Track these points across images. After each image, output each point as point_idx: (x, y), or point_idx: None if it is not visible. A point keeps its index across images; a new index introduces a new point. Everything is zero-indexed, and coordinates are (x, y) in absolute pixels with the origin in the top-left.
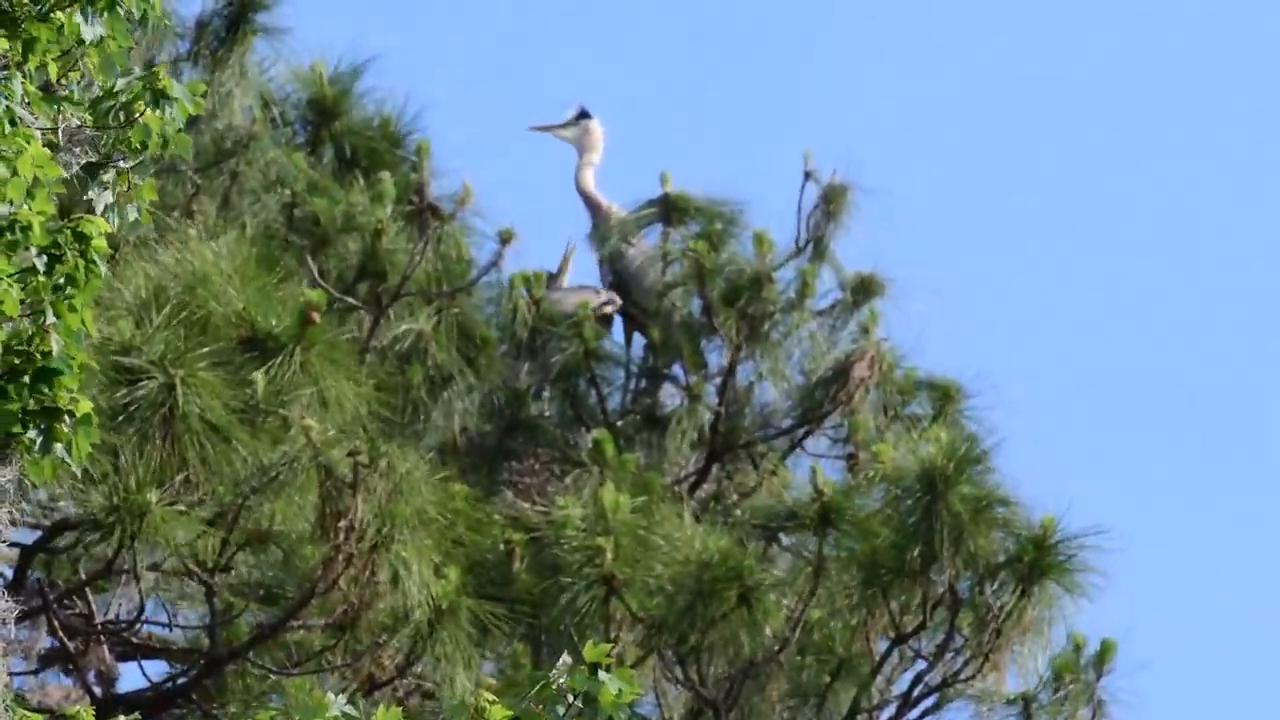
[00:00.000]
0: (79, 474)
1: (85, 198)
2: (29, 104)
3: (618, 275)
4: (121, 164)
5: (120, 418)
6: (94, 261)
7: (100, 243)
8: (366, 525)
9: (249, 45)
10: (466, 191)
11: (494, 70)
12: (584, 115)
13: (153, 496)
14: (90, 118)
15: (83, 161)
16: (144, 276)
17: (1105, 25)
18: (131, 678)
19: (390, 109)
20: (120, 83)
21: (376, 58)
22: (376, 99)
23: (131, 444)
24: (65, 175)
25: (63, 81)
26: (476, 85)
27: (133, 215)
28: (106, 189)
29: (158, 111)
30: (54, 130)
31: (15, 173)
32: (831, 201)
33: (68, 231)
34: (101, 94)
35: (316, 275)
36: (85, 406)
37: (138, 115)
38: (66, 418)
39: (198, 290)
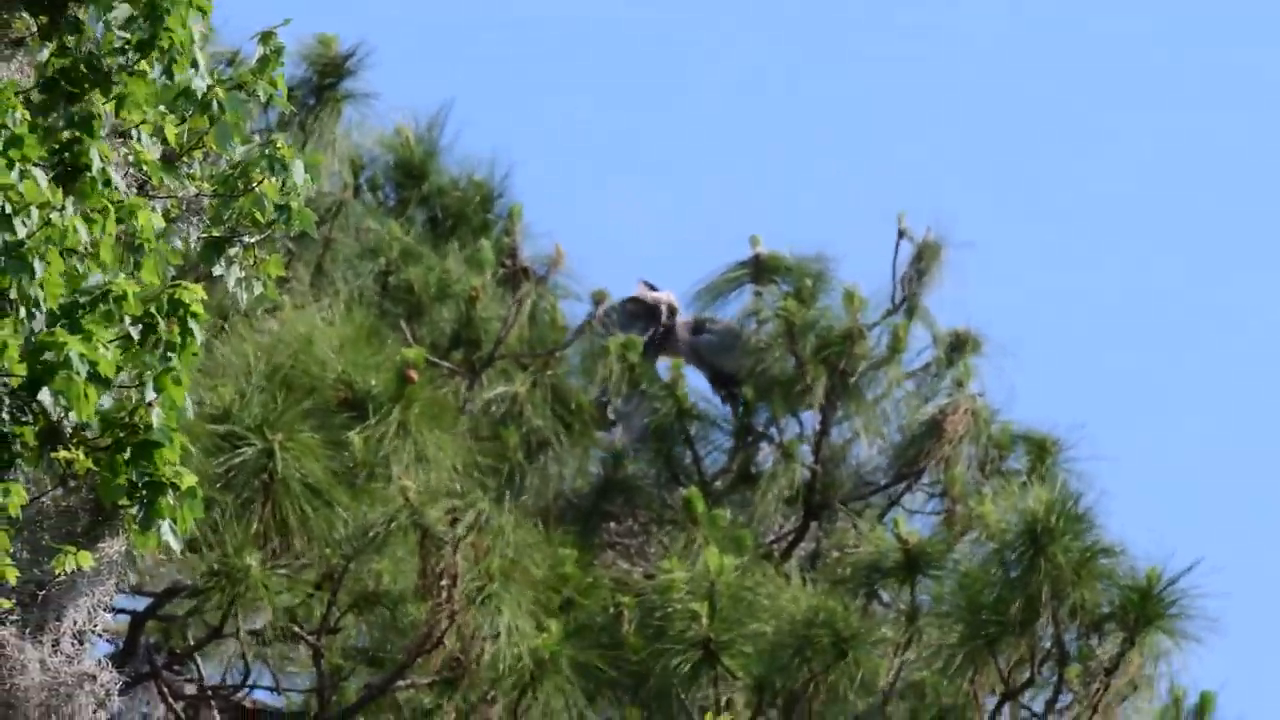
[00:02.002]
0: (178, 548)
1: (214, 272)
2: (144, 168)
3: (700, 355)
4: (246, 239)
5: (220, 484)
6: (191, 331)
7: (198, 309)
8: (468, 581)
9: (338, 111)
10: (559, 254)
11: (577, 124)
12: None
13: (253, 560)
14: (208, 186)
15: (198, 228)
16: (253, 345)
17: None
18: None
19: (478, 169)
20: (240, 151)
21: (453, 103)
22: (465, 159)
23: (233, 509)
24: (178, 243)
25: (186, 154)
26: (559, 140)
27: (258, 289)
28: (234, 263)
29: (274, 179)
30: (174, 199)
31: (105, 232)
32: (925, 259)
33: (164, 299)
34: (229, 168)
35: (411, 341)
36: (189, 480)
37: (255, 184)
38: (170, 490)
39: (301, 356)
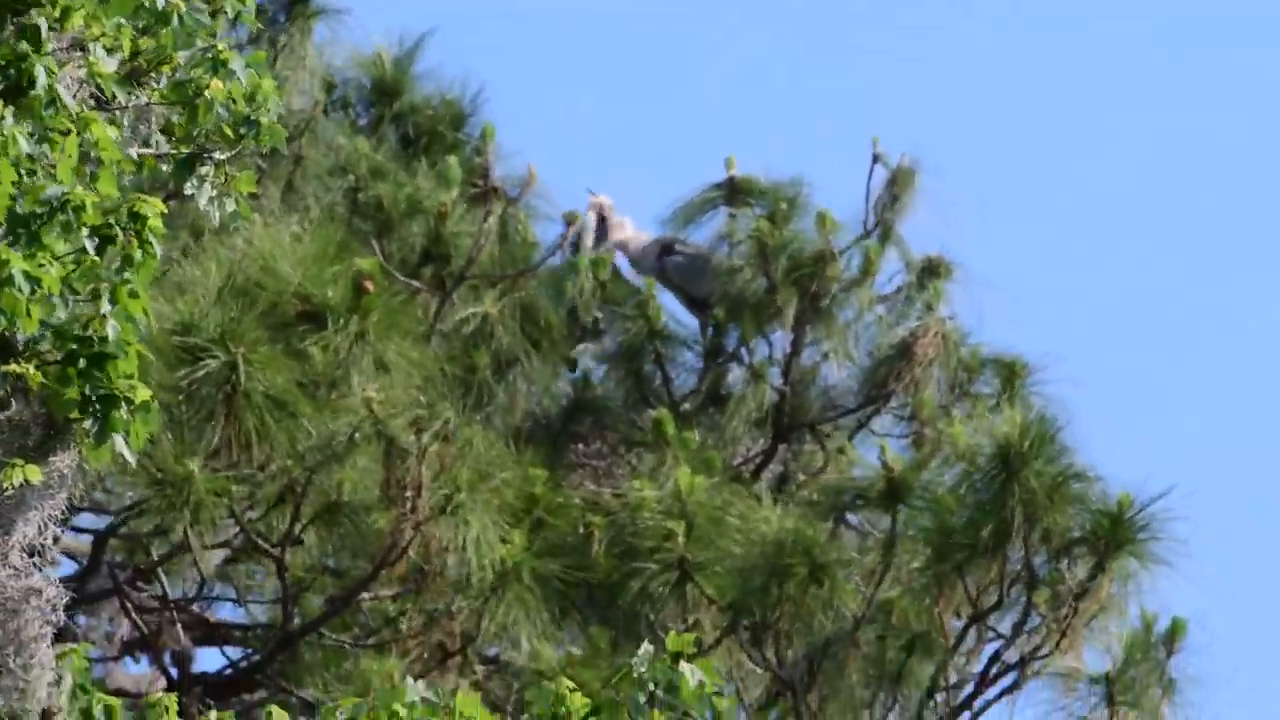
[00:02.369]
0: (133, 461)
1: (185, 191)
2: (100, 83)
3: (668, 278)
4: (218, 156)
5: (183, 396)
6: (150, 243)
7: (156, 223)
8: (430, 490)
9: (309, 28)
10: (531, 175)
11: (552, 43)
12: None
13: (195, 466)
14: (158, 95)
15: (153, 138)
16: (214, 261)
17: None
18: (208, 658)
19: (451, 89)
20: (181, 55)
21: (433, 32)
22: (437, 78)
23: (196, 422)
24: (133, 154)
25: (152, 71)
26: (533, 59)
27: (231, 207)
28: (205, 182)
29: (222, 83)
30: (121, 109)
31: (63, 152)
32: (899, 185)
33: (123, 212)
34: (169, 72)
35: (381, 258)
36: (144, 394)
37: (205, 89)
38: (124, 404)
39: (262, 271)
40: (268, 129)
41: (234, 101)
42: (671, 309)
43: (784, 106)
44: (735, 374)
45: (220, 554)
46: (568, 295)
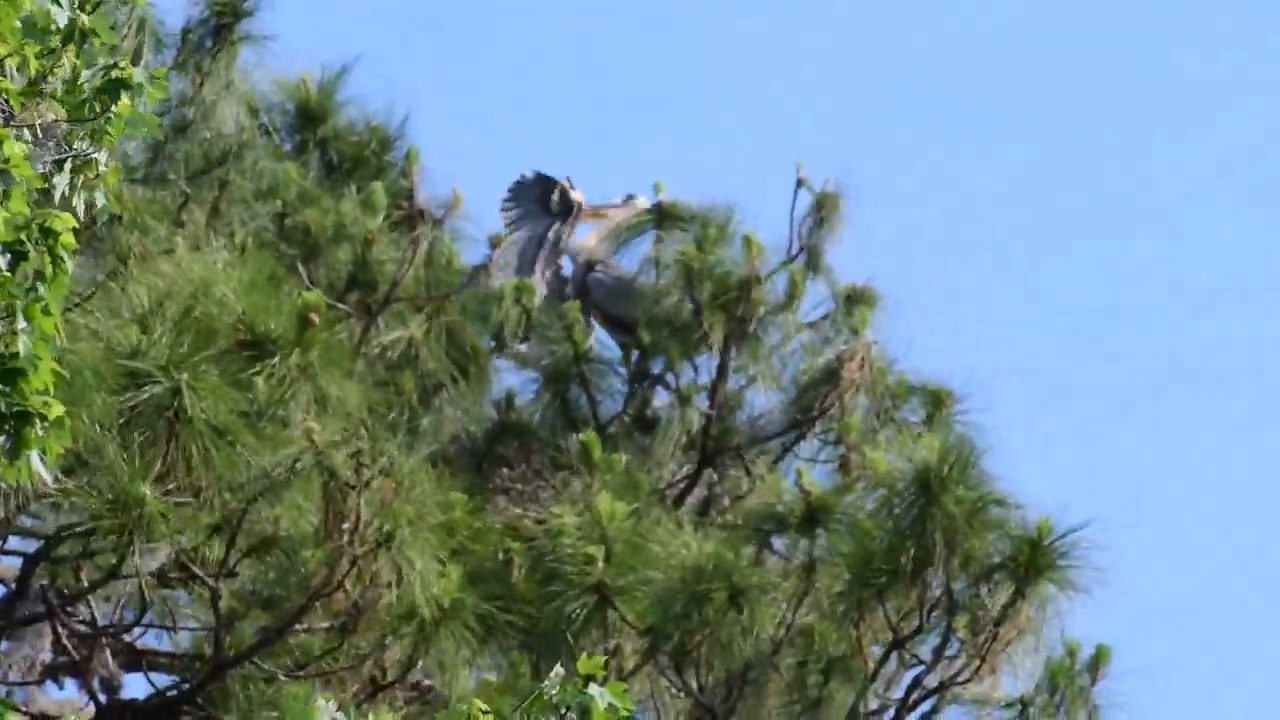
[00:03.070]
0: (49, 479)
1: (49, 186)
2: (6, 100)
3: (591, 296)
4: (89, 152)
5: (124, 421)
6: (61, 259)
7: (68, 238)
8: (369, 525)
9: (235, 53)
10: (456, 198)
11: (478, 71)
12: (631, 198)
13: (147, 488)
14: (64, 111)
15: (55, 154)
16: (147, 285)
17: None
18: (137, 686)
19: (377, 114)
20: (85, 74)
21: (359, 59)
22: (363, 104)
23: (136, 447)
24: (41, 168)
25: (49, 79)
26: (460, 86)
27: (101, 201)
28: (63, 170)
29: (126, 100)
30: (28, 125)
31: None
32: (824, 209)
33: (34, 228)
34: (65, 85)
35: (308, 283)
36: (57, 409)
37: (112, 107)
38: (38, 421)
39: (199, 297)
40: (144, 120)
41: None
42: (600, 334)
43: (710, 130)
44: (660, 398)
45: (157, 557)
46: (492, 320)
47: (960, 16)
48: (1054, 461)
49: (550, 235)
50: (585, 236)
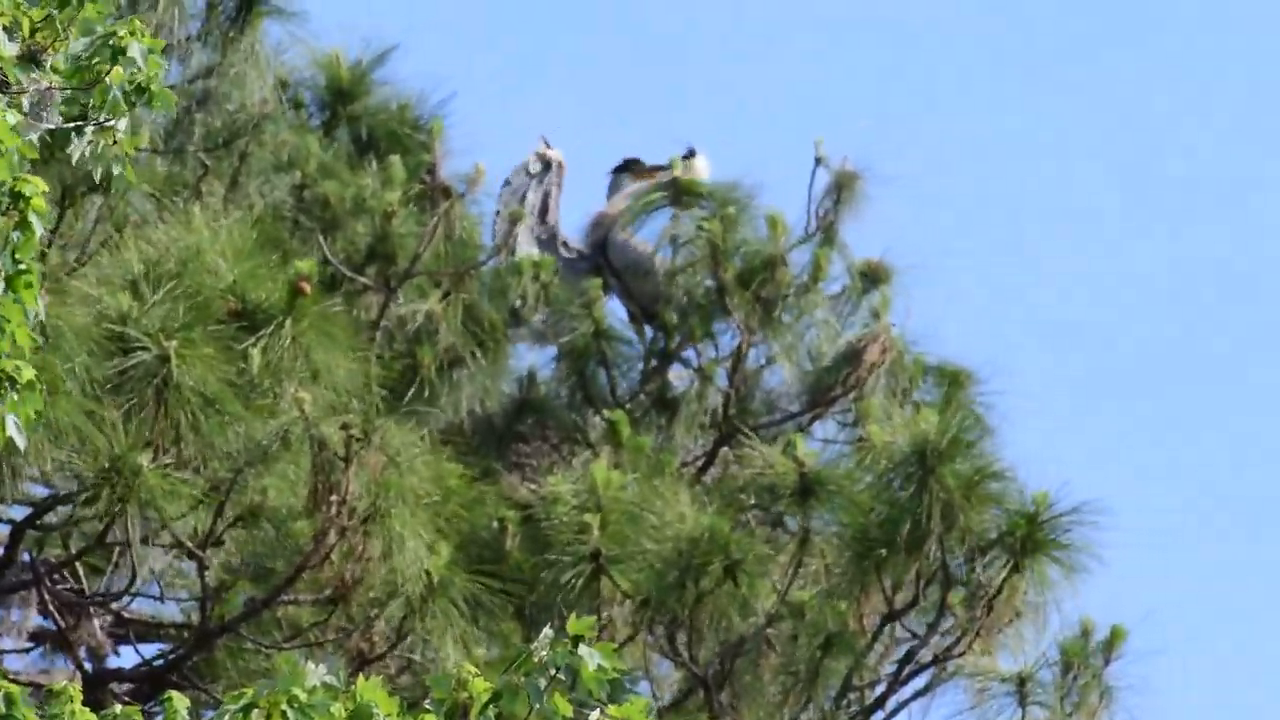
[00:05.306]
0: (23, 444)
1: (66, 151)
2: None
3: (614, 267)
4: (104, 120)
5: (112, 387)
6: (30, 222)
7: (39, 202)
8: (359, 499)
9: (259, 26)
10: (479, 172)
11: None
12: (691, 154)
13: (144, 459)
14: (60, 79)
15: (51, 121)
16: (139, 252)
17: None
18: (127, 656)
19: (410, 95)
20: (82, 42)
21: (397, 47)
22: (397, 86)
23: (124, 414)
24: (34, 138)
25: (50, 49)
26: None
27: (117, 170)
28: (89, 142)
29: (123, 69)
30: (22, 94)
31: None
32: (842, 188)
33: (3, 192)
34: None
35: (327, 255)
36: (28, 374)
37: (104, 75)
38: (8, 385)
39: (190, 266)
40: (158, 95)
41: (130, 82)
42: (614, 309)
43: (726, 106)
44: (677, 375)
45: (154, 551)
46: (511, 295)
47: None
48: (1063, 441)
49: (532, 197)
50: (614, 201)
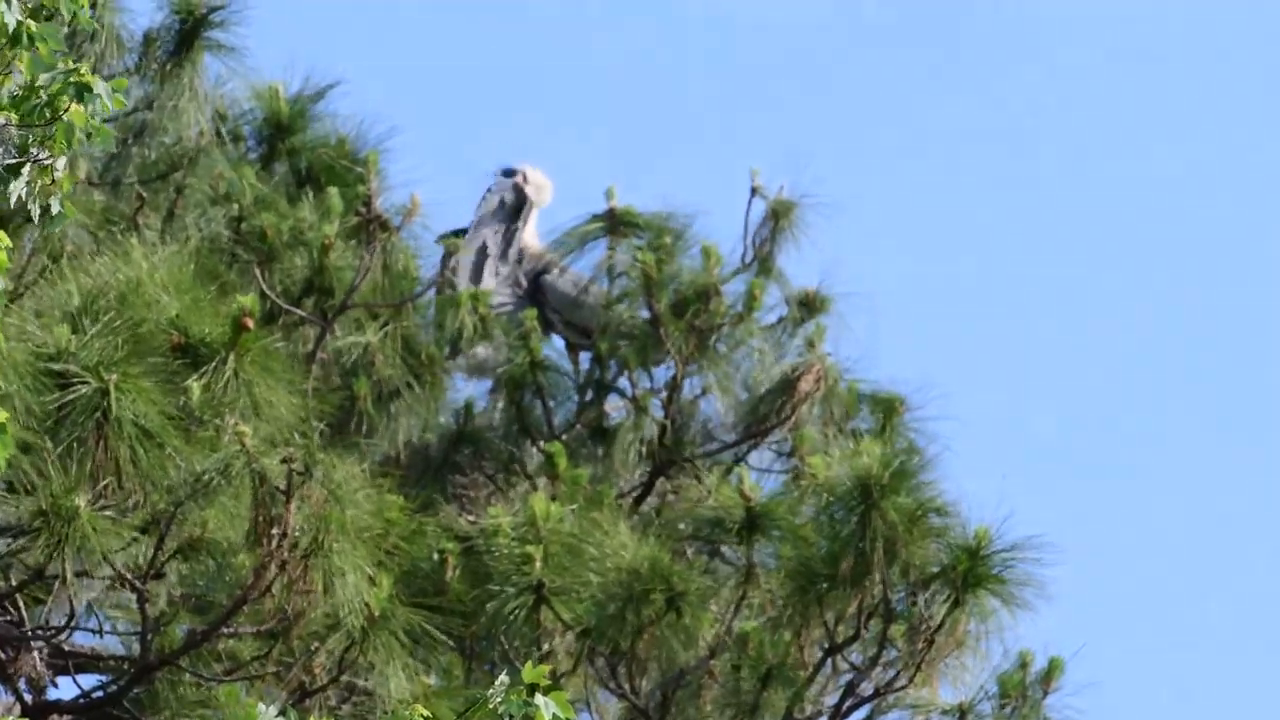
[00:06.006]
0: None
1: (4, 192)
2: None
3: (547, 300)
4: (42, 159)
5: (51, 422)
6: None
7: (3, 256)
8: (300, 532)
9: (199, 60)
10: (415, 204)
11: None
12: (509, 174)
13: (81, 500)
14: (16, 116)
15: (6, 161)
16: (77, 284)
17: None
18: (65, 688)
19: (351, 129)
20: (43, 78)
21: (339, 83)
22: (336, 121)
23: (63, 449)
24: None
25: None
26: (434, 106)
27: (56, 208)
28: (28, 182)
29: (82, 107)
30: None
31: None
32: (779, 217)
33: None
34: (21, 91)
35: (264, 288)
36: (1, 416)
37: (62, 112)
38: None
39: (130, 298)
40: (98, 130)
41: (91, 120)
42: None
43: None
44: (613, 406)
45: (89, 584)
46: (448, 328)
47: None
48: (1008, 469)
49: (499, 238)
50: (531, 237)
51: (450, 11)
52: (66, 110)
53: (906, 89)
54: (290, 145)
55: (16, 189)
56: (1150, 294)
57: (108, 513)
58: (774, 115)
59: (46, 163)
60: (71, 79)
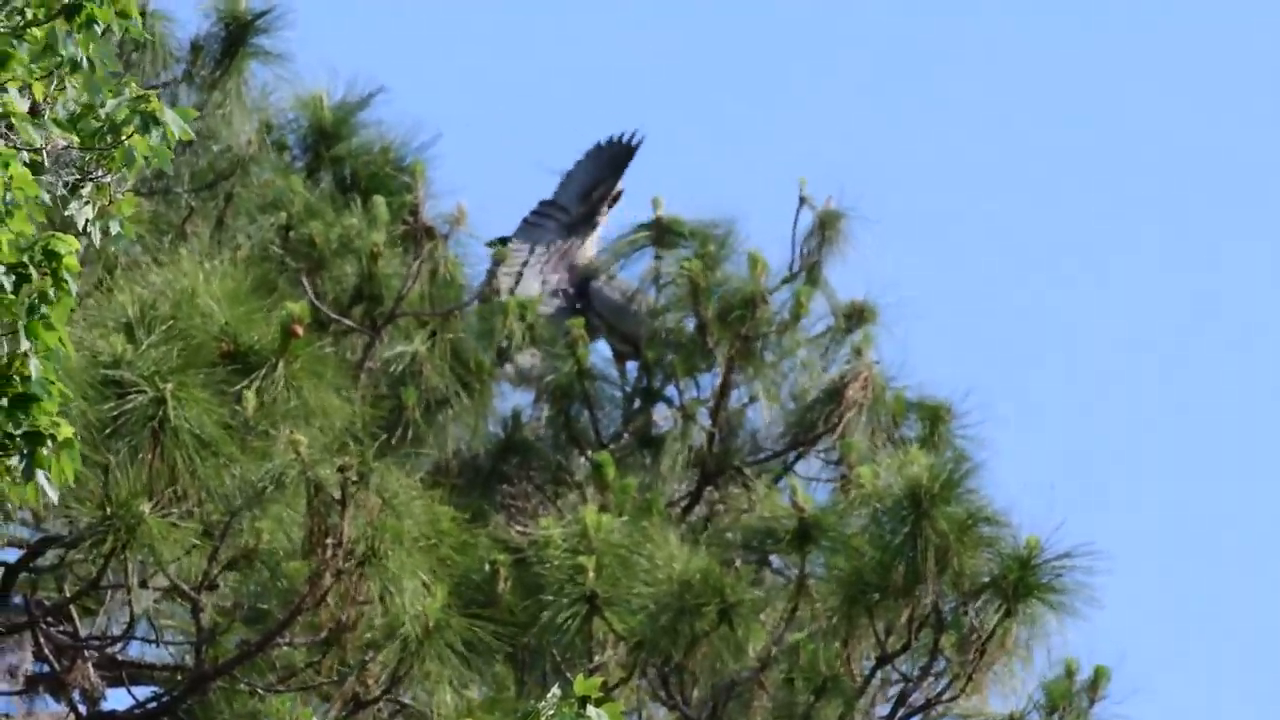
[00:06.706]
0: (55, 499)
1: (66, 214)
2: (10, 124)
3: (597, 311)
4: (102, 179)
5: (109, 431)
6: (65, 280)
7: (71, 260)
8: (354, 541)
9: (246, 68)
10: (461, 212)
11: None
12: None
13: (145, 507)
14: (77, 138)
15: (66, 182)
16: (132, 295)
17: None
18: (120, 699)
19: (395, 136)
20: (110, 104)
21: (383, 90)
22: (380, 128)
23: (121, 458)
24: (46, 196)
25: (49, 101)
26: (485, 109)
27: (115, 229)
28: (86, 203)
29: (147, 136)
30: (38, 152)
31: None
32: (826, 227)
33: (38, 249)
34: (79, 110)
35: (312, 296)
36: (67, 431)
37: (125, 138)
38: (49, 442)
39: (183, 307)
40: (156, 150)
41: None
42: (599, 348)
43: (707, 145)
44: (659, 413)
45: (142, 594)
46: (495, 336)
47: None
48: (1052, 479)
49: (554, 248)
50: (583, 247)
51: (493, 12)
52: (129, 137)
53: (949, 99)
54: (335, 153)
55: (82, 214)
56: (1204, 301)
57: (170, 519)
58: (818, 124)
59: (104, 181)
60: (140, 108)
